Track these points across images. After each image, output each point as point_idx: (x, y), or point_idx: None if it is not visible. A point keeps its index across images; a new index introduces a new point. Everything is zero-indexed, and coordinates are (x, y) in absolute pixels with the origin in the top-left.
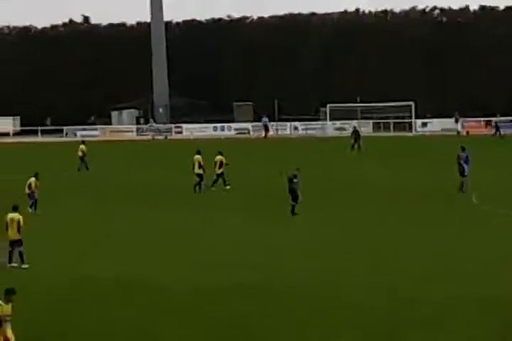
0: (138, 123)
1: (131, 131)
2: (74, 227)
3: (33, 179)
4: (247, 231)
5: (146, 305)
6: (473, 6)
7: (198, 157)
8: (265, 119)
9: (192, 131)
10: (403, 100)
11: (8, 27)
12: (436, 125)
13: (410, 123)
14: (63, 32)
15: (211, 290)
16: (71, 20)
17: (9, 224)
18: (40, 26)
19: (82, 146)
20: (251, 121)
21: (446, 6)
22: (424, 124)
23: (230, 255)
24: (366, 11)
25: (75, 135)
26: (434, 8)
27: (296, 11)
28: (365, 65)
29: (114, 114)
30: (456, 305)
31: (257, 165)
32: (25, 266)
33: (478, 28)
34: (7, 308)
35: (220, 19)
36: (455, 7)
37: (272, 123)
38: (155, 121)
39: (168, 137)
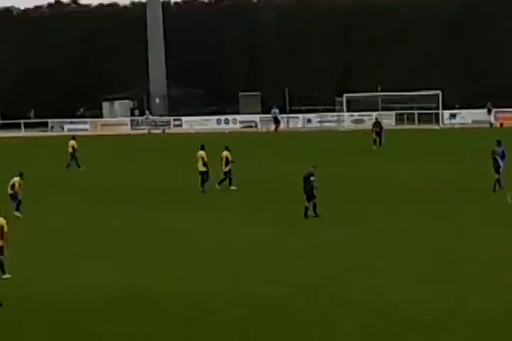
0: (132, 115)
1: (125, 125)
2: (64, 232)
3: (16, 179)
4: (254, 234)
5: (148, 316)
6: None
7: (201, 153)
8: (275, 111)
9: (192, 124)
10: (429, 89)
11: None
12: (467, 116)
13: (437, 115)
14: (47, 13)
15: (207, 301)
16: (57, 1)
17: None
18: (22, 7)
19: (73, 142)
20: (259, 113)
21: None
22: (453, 116)
23: (233, 262)
24: None
25: (62, 129)
26: None
27: None
28: (386, 50)
29: (106, 105)
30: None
31: (266, 162)
32: (6, 276)
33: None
34: None
35: None
36: None
37: (283, 115)
38: (151, 113)
39: (166, 131)
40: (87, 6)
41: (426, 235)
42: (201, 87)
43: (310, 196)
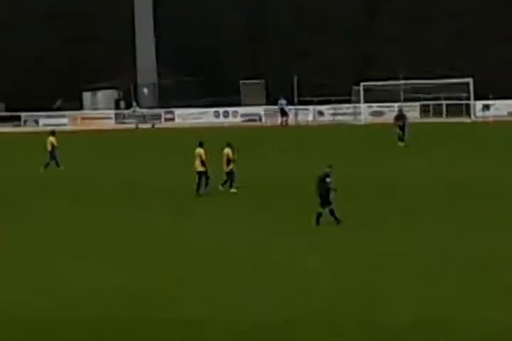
0: (117, 107)
1: (109, 118)
2: (46, 236)
3: None
4: (258, 242)
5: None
6: None
7: (199, 151)
8: (282, 102)
9: (186, 117)
10: (459, 76)
11: None
12: (502, 108)
13: (468, 106)
14: None
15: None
16: None
17: None
18: None
19: (52, 138)
20: (263, 105)
21: None
22: (486, 107)
23: (235, 274)
24: None
25: (37, 123)
26: None
27: None
28: (409, 31)
29: (87, 95)
30: None
31: (272, 161)
32: None
33: None
34: None
35: None
36: None
37: (291, 106)
38: (139, 105)
39: (156, 125)
40: None
41: (449, 242)
42: (196, 75)
43: (325, 200)
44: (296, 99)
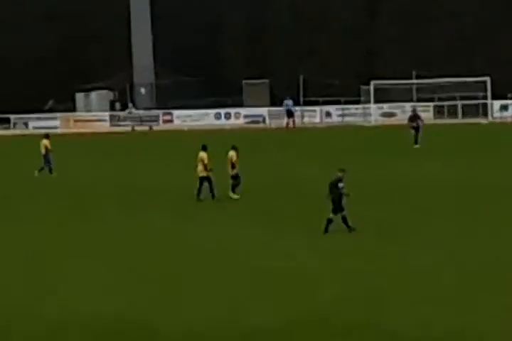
0: (112, 109)
1: (104, 120)
2: (42, 246)
3: None
4: (260, 246)
5: None
6: None
7: (202, 155)
8: (288, 102)
9: (186, 119)
10: (475, 75)
11: None
12: None
13: (485, 106)
14: None
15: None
16: None
17: None
18: None
19: (46, 141)
20: (267, 106)
21: None
22: (504, 107)
23: (235, 286)
24: None
25: (26, 126)
26: None
27: None
28: (421, 27)
29: (80, 96)
30: None
31: (277, 165)
32: None
33: None
34: None
35: None
36: None
37: (297, 107)
38: (135, 106)
39: (154, 128)
40: None
41: (461, 245)
42: (196, 75)
43: (337, 206)
44: (302, 100)
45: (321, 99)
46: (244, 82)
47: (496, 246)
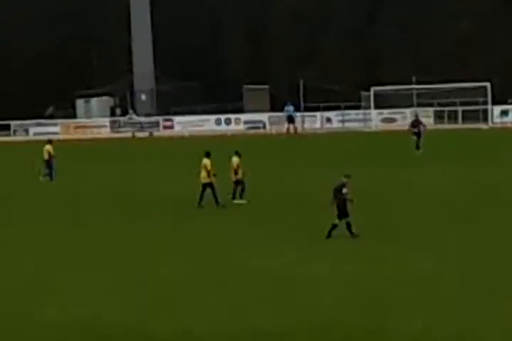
0: (113, 115)
1: (104, 127)
2: (43, 253)
3: None
4: (261, 252)
5: None
6: None
7: (206, 161)
8: (289, 108)
9: (186, 125)
10: (475, 80)
11: None
12: None
13: (485, 112)
14: None
15: None
16: None
17: None
18: None
19: (48, 147)
20: (267, 111)
21: None
22: (505, 113)
23: (237, 291)
24: None
25: (27, 132)
26: None
27: None
28: (422, 32)
29: (80, 103)
30: None
31: (278, 171)
32: None
33: None
34: None
35: None
36: None
37: (298, 113)
38: (136, 112)
39: (154, 134)
40: None
41: (463, 250)
42: (197, 80)
43: (342, 212)
44: (302, 105)
45: (321, 105)
46: (244, 87)
47: (497, 251)
